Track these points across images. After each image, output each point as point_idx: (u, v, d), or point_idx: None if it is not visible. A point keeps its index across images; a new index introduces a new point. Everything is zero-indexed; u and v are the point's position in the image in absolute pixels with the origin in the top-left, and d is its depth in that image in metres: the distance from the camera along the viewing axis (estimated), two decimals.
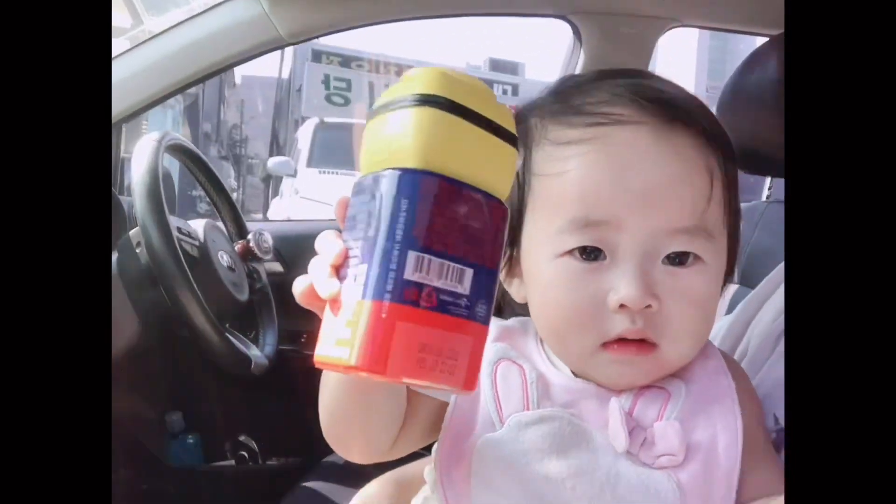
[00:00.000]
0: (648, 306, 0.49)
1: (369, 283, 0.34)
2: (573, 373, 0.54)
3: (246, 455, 1.45)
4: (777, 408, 0.57)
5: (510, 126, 0.39)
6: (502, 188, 0.39)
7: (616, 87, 0.52)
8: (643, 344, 0.50)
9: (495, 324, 0.59)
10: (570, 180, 0.50)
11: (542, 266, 0.52)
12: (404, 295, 0.34)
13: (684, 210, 0.49)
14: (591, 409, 0.52)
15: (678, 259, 0.50)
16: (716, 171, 0.51)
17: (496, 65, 14.86)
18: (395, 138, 0.36)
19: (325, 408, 0.52)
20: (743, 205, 1.24)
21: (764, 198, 1.26)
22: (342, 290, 0.37)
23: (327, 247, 0.40)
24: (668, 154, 0.49)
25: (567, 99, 0.53)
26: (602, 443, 0.50)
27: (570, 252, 0.50)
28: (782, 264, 0.73)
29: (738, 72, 1.13)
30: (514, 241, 0.55)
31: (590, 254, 0.50)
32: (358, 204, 0.38)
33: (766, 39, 1.13)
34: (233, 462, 1.46)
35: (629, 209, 0.49)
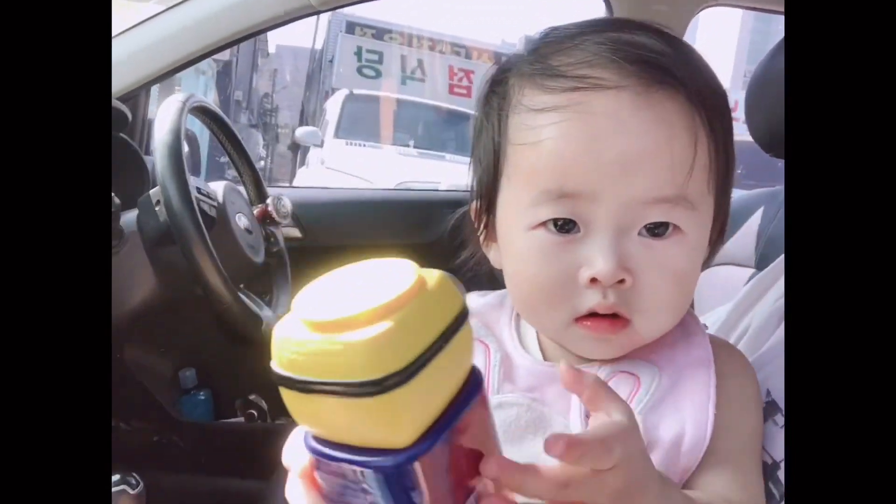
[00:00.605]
0: (621, 281, 0.47)
1: None
2: (542, 353, 0.54)
3: (255, 413, 1.49)
4: (771, 384, 0.57)
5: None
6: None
7: (596, 46, 0.48)
8: (615, 320, 0.49)
9: (473, 296, 0.59)
10: (545, 150, 0.48)
11: (515, 237, 0.51)
12: None
13: (663, 179, 0.47)
14: (555, 393, 0.50)
15: (656, 230, 0.48)
16: (700, 136, 0.48)
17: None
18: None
19: None
20: (766, 189, 1.23)
21: None
22: None
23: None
24: (648, 121, 0.47)
25: (546, 58, 0.50)
26: (561, 430, 0.48)
27: (544, 224, 0.49)
28: None
29: (770, 54, 1.10)
30: (490, 207, 0.54)
31: (563, 226, 0.48)
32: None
33: None
34: (242, 419, 1.50)
35: (604, 180, 0.47)
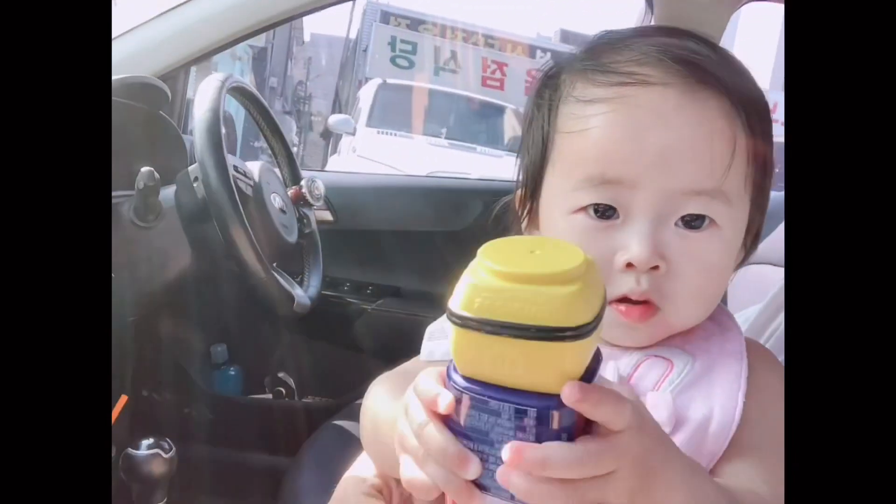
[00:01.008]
0: (655, 267, 0.49)
1: None
2: None
3: (283, 391, 1.52)
4: None
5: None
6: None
7: (646, 46, 0.51)
8: (647, 308, 0.50)
9: None
10: (590, 138, 0.50)
11: (557, 221, 0.53)
12: None
13: (701, 173, 0.49)
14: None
15: (693, 223, 0.50)
16: (739, 135, 0.50)
17: (567, 37, 14.48)
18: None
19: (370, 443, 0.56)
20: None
21: None
22: (493, 496, 0.37)
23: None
24: (691, 117, 0.49)
25: (598, 56, 0.53)
26: None
27: (584, 209, 0.51)
28: None
29: None
30: (535, 193, 0.57)
31: (603, 212, 0.50)
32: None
33: None
34: (270, 396, 1.53)
35: (645, 170, 0.49)
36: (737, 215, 0.52)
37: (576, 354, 0.35)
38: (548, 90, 0.56)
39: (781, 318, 0.69)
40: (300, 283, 1.30)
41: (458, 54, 11.53)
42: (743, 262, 0.57)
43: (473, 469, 0.36)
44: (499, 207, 0.63)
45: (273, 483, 1.08)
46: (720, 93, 0.50)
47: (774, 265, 1.15)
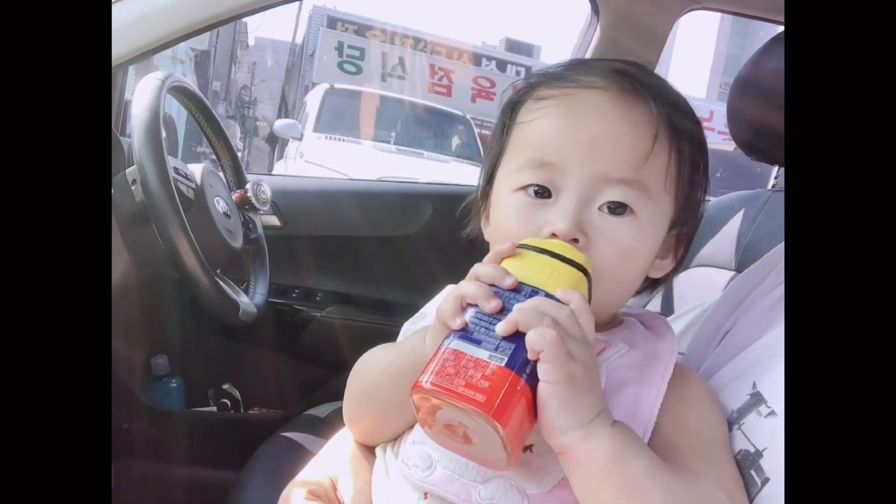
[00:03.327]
0: (575, 240, 0.55)
1: (516, 362, 0.46)
2: None
3: (228, 403, 1.46)
4: (758, 376, 0.58)
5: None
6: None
7: (597, 63, 0.62)
8: None
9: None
10: (536, 127, 0.59)
11: (503, 199, 0.60)
12: (531, 381, 0.47)
13: (623, 162, 0.56)
14: None
15: (615, 209, 0.57)
16: (661, 137, 0.57)
17: (512, 45, 14.71)
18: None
19: (362, 393, 0.64)
20: (746, 192, 1.24)
21: (770, 186, 1.25)
22: (481, 347, 0.47)
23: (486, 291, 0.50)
24: (618, 114, 0.57)
25: (562, 69, 0.63)
26: None
27: (525, 188, 0.58)
28: (779, 246, 0.73)
29: (753, 59, 1.12)
30: (491, 180, 0.64)
31: (539, 192, 0.58)
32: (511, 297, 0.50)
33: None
34: (214, 408, 1.47)
35: (575, 156, 0.57)
36: (657, 208, 0.58)
37: (579, 278, 0.52)
38: (517, 96, 0.64)
39: (737, 314, 0.70)
40: (246, 291, 1.25)
41: (406, 60, 11.54)
42: (680, 261, 0.64)
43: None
44: (462, 207, 0.70)
45: (219, 499, 1.04)
46: (647, 97, 0.58)
47: (719, 268, 1.19)
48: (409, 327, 0.68)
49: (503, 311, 0.49)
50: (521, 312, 0.47)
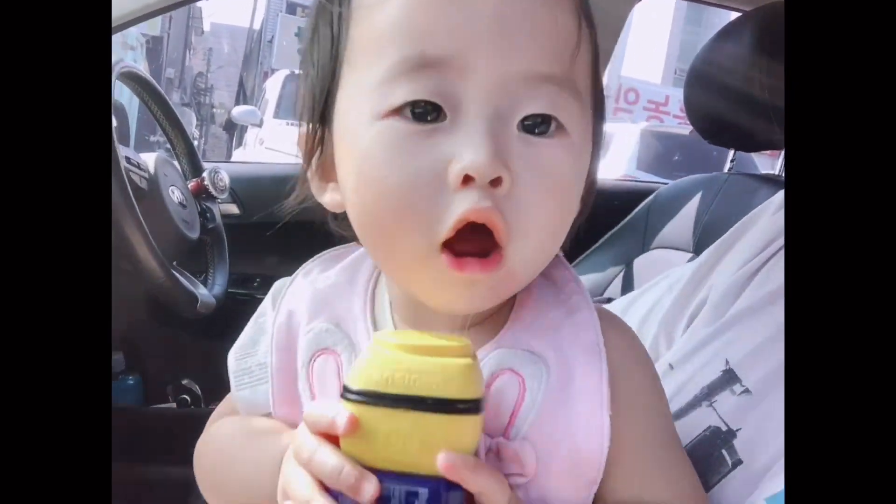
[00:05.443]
0: (498, 179, 0.37)
1: None
2: None
3: (188, 399, 1.43)
4: (729, 353, 0.57)
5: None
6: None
7: None
8: (487, 260, 0.38)
9: (311, 285, 0.50)
10: (401, 6, 0.38)
11: (359, 136, 0.39)
12: None
13: (549, 51, 0.38)
14: None
15: (538, 127, 0.39)
16: (584, 24, 0.41)
17: None
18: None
19: (210, 485, 0.52)
20: (704, 175, 1.27)
21: (726, 170, 1.28)
22: None
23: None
24: None
25: None
26: None
27: (398, 111, 0.38)
28: (747, 216, 0.70)
29: (709, 44, 1.13)
30: (327, 117, 0.43)
31: (423, 113, 0.38)
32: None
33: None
34: (174, 405, 1.44)
35: (478, 43, 0.37)
36: (586, 122, 0.42)
37: (475, 427, 0.36)
38: None
39: (709, 285, 0.68)
40: (204, 282, 1.22)
41: None
42: (588, 205, 0.45)
43: None
44: (291, 183, 0.50)
45: (181, 495, 1.01)
46: None
47: (677, 249, 1.21)
48: (237, 364, 0.52)
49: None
50: None
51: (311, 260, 0.54)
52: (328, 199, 0.45)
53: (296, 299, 0.50)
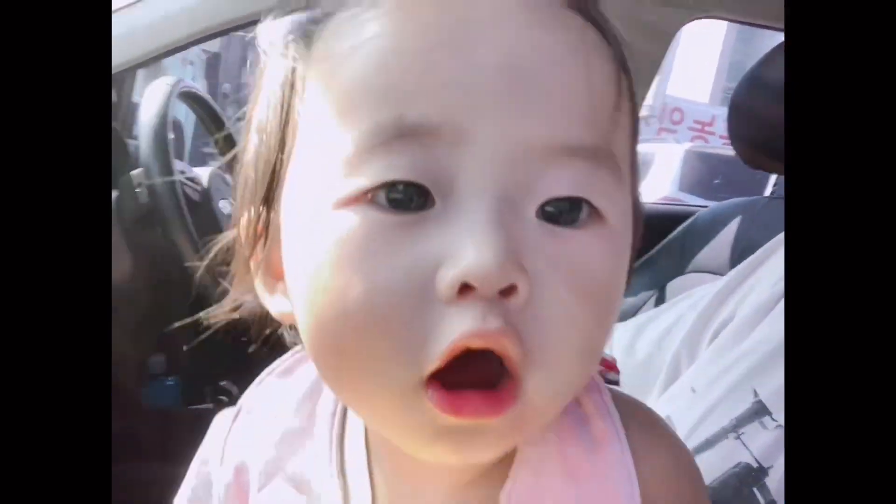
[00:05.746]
0: (512, 288, 0.27)
1: None
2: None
3: (226, 399, 1.48)
4: (757, 383, 0.54)
5: None
6: None
7: None
8: (496, 393, 0.28)
9: (260, 428, 0.40)
10: (367, 54, 0.28)
11: (313, 229, 0.29)
12: None
13: (577, 113, 0.28)
14: None
15: (563, 214, 0.28)
16: (623, 78, 0.31)
17: None
18: None
19: None
20: (743, 199, 1.25)
21: (767, 194, 1.26)
22: None
23: None
24: (551, 20, 0.29)
25: None
26: None
27: (368, 196, 0.27)
28: (777, 237, 0.68)
29: (756, 66, 1.12)
30: (271, 201, 0.32)
31: (402, 200, 0.27)
32: None
33: None
34: (211, 406, 1.49)
35: (476, 103, 0.27)
36: (626, 200, 0.31)
37: None
38: (307, 18, 0.34)
39: (734, 304, 0.66)
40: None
41: None
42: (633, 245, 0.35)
43: None
44: (213, 253, 0.41)
45: None
46: (586, 17, 0.31)
47: (713, 273, 1.19)
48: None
49: None
50: None
51: (256, 381, 0.42)
52: (275, 303, 0.34)
53: (242, 450, 0.40)
